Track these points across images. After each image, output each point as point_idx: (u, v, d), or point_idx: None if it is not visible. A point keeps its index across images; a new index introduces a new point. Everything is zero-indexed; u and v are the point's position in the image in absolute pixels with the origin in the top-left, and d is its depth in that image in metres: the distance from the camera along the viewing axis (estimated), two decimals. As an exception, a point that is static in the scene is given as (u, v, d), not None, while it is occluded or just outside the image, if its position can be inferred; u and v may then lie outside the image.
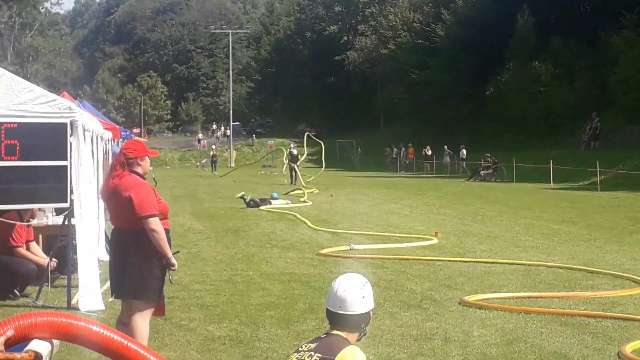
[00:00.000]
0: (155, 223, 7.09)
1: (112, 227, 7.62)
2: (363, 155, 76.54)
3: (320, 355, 4.68)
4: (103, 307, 10.03)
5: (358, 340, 4.94)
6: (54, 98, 10.31)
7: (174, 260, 7.27)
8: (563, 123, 57.89)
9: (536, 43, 63.93)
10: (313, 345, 4.77)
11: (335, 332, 4.86)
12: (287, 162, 43.75)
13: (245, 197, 27.34)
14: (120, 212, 7.26)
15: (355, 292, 4.88)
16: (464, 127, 69.39)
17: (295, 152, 45.86)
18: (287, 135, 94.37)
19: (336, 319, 4.90)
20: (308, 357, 4.70)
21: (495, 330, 9.08)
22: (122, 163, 7.33)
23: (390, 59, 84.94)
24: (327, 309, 4.95)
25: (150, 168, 7.59)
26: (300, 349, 4.83)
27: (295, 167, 43.89)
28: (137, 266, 7.14)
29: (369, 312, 4.94)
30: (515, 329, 9.14)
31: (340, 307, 4.87)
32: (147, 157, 7.49)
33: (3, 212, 10.51)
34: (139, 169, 7.37)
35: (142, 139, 71.98)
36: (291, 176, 44.11)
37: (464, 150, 57.87)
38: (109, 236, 9.61)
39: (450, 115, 71.72)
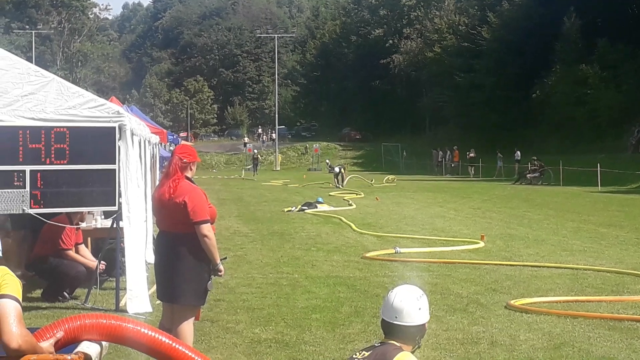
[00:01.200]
0: (207, 229, 7.15)
1: (158, 230, 7.68)
2: (408, 159, 76.37)
3: None
4: (151, 310, 10.12)
5: (412, 352, 4.92)
6: (102, 102, 10.44)
7: (221, 267, 7.32)
8: (610, 126, 57.31)
9: (583, 46, 63.42)
10: (367, 354, 4.79)
11: (390, 341, 4.87)
12: (335, 179, 43.90)
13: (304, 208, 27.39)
14: (173, 216, 7.27)
15: (412, 303, 4.89)
16: (510, 130, 68.99)
17: (337, 169, 45.74)
18: (333, 139, 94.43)
19: (391, 330, 4.89)
20: None
21: (542, 335, 9.02)
22: (181, 167, 7.40)
23: (436, 62, 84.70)
24: (383, 319, 4.94)
25: None
26: (354, 356, 4.86)
27: (342, 172, 44.23)
28: (186, 270, 7.18)
29: (424, 324, 4.93)
30: (562, 334, 9.07)
31: (396, 317, 4.87)
32: (196, 162, 7.58)
33: (53, 215, 10.66)
34: (189, 174, 7.44)
35: (190, 143, 72.60)
36: (336, 180, 44.17)
37: (519, 152, 57.36)
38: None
39: (496, 119, 71.36)
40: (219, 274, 7.32)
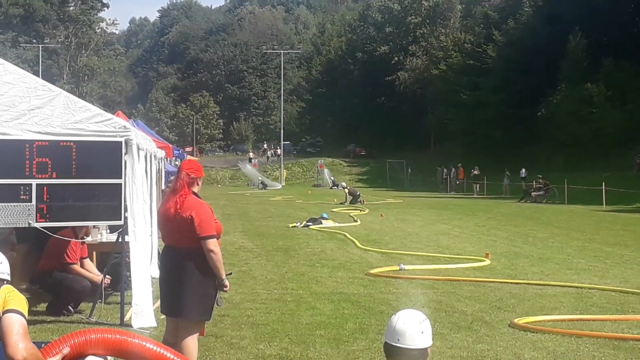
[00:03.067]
0: (214, 244, 7.17)
1: (163, 244, 7.69)
2: (413, 176, 76.39)
3: None
4: (155, 324, 10.12)
5: None
6: (109, 117, 10.48)
7: (227, 282, 7.33)
8: (615, 145, 57.23)
9: (588, 64, 63.44)
10: None
11: None
12: (347, 201, 43.67)
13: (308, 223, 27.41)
14: (179, 230, 7.29)
15: (415, 327, 4.86)
16: (516, 148, 68.95)
17: (357, 192, 45.59)
18: (338, 155, 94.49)
19: (394, 352, 4.86)
20: None
21: (547, 353, 9.01)
22: (188, 183, 7.43)
23: (441, 80, 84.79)
24: (386, 342, 4.92)
25: None
26: None
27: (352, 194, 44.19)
28: (192, 285, 7.19)
29: (426, 349, 4.89)
30: (567, 352, 9.06)
31: (398, 340, 4.83)
32: (202, 177, 7.62)
33: (58, 229, 10.69)
34: (196, 189, 7.47)
35: (196, 158, 72.65)
36: (346, 199, 44.08)
37: (524, 170, 57.41)
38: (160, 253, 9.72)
39: (501, 136, 71.36)
40: (224, 289, 7.34)
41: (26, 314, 4.52)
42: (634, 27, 65.06)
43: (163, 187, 18.94)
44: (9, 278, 5.30)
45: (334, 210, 36.12)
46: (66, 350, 4.73)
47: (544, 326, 10.38)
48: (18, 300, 4.53)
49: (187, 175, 7.40)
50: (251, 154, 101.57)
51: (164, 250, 7.68)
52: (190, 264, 7.21)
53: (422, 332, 4.87)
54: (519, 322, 10.50)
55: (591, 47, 63.64)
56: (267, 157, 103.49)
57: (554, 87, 66.03)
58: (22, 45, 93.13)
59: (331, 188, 66.07)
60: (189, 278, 7.21)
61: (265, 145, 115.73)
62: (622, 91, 59.44)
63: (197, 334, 7.36)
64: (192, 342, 7.28)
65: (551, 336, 9.81)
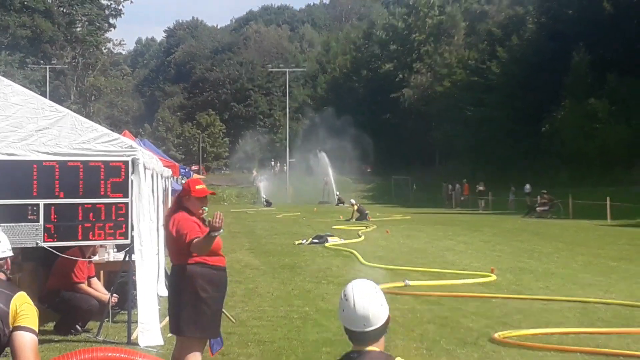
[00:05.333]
0: (193, 246, 7.23)
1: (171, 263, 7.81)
2: (418, 192, 76.37)
3: None
4: (162, 343, 10.16)
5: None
6: (116, 137, 10.57)
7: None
8: (620, 160, 57.23)
9: (592, 80, 63.53)
10: None
11: (368, 349, 4.51)
12: (354, 218, 43.70)
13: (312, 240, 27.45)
14: (169, 247, 7.56)
15: (375, 304, 4.47)
16: (520, 163, 68.98)
17: (365, 210, 45.59)
18: (343, 171, 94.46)
19: (363, 338, 4.50)
20: None
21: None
22: (177, 200, 7.60)
23: (446, 97, 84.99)
24: (349, 330, 4.56)
25: (205, 208, 7.69)
26: None
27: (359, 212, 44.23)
28: (192, 303, 7.28)
29: (388, 315, 4.53)
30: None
31: (364, 325, 4.46)
32: (193, 196, 7.60)
33: (66, 248, 10.77)
34: (189, 205, 7.56)
35: (200, 176, 72.78)
36: (353, 216, 44.07)
37: (528, 185, 57.50)
38: (168, 272, 9.79)
39: (506, 152, 71.43)
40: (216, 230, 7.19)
41: (37, 329, 4.59)
42: (638, 43, 65.16)
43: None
44: (11, 254, 5.45)
45: (334, 227, 36.07)
46: None
47: (548, 344, 10.39)
48: (31, 314, 4.59)
49: (178, 193, 7.61)
50: (254, 172, 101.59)
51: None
52: (184, 281, 7.32)
53: (382, 305, 4.52)
54: (498, 337, 10.53)
55: (595, 63, 63.73)
56: (274, 174, 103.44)
57: (558, 103, 66.13)
58: (29, 66, 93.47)
59: (337, 205, 66.03)
60: (184, 296, 7.30)
61: (273, 162, 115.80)
62: (626, 106, 59.49)
63: (199, 351, 7.41)
64: (194, 359, 7.35)
65: (558, 352, 9.80)
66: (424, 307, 13.12)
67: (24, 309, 4.57)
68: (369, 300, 4.47)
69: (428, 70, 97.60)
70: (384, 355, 4.48)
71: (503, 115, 71.81)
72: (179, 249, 7.29)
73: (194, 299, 7.26)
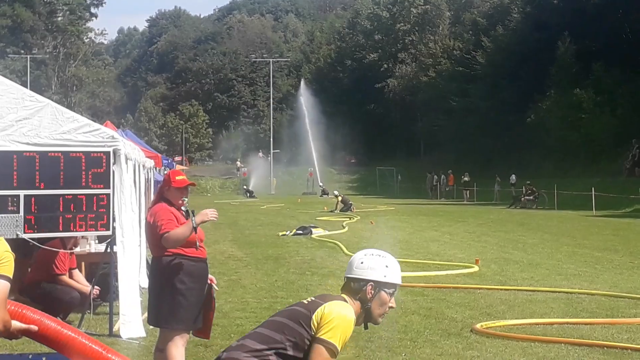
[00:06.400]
0: (164, 240, 7.14)
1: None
2: (403, 183, 76.43)
3: (313, 298, 4.82)
4: (144, 334, 10.07)
5: (359, 316, 4.81)
6: (97, 127, 10.46)
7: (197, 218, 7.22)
8: (605, 150, 57.47)
9: (577, 70, 63.75)
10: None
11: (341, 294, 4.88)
12: (337, 209, 43.55)
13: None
14: (148, 239, 7.54)
15: (358, 257, 4.89)
16: (505, 154, 69.16)
17: (349, 201, 45.43)
18: (328, 162, 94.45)
19: (345, 285, 4.93)
20: (305, 300, 4.84)
21: (537, 359, 9.01)
22: (159, 191, 7.53)
23: (431, 87, 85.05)
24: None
25: (185, 199, 7.61)
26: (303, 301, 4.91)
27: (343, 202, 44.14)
28: (170, 295, 7.22)
29: (367, 284, 4.79)
30: (556, 358, 9.07)
31: (346, 271, 4.93)
32: (173, 187, 7.54)
33: (47, 240, 10.65)
34: (169, 196, 7.47)
35: (183, 167, 72.49)
36: (337, 207, 44.00)
37: (514, 176, 57.68)
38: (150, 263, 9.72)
39: (491, 143, 71.59)
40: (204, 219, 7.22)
41: (11, 275, 4.42)
42: (623, 33, 65.37)
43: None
44: None
45: (318, 218, 36.04)
46: (34, 329, 4.73)
47: (532, 334, 10.37)
48: (9, 263, 4.44)
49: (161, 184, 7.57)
50: (239, 163, 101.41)
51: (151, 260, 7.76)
52: (162, 272, 7.28)
53: (362, 262, 4.86)
54: (480, 328, 10.50)
55: (580, 53, 63.94)
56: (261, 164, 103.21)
57: (543, 93, 66.28)
58: (9, 56, 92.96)
59: (321, 196, 66.00)
60: (165, 287, 7.24)
61: (260, 154, 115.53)
62: (611, 96, 59.71)
63: (180, 342, 7.34)
64: (175, 351, 7.28)
65: (542, 343, 9.80)
66: (408, 298, 13.07)
67: (4, 256, 4.42)
68: (358, 254, 4.95)
69: (413, 60, 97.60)
70: (339, 297, 4.80)
71: (488, 106, 71.92)
72: (157, 240, 7.22)
73: (172, 291, 7.20)
